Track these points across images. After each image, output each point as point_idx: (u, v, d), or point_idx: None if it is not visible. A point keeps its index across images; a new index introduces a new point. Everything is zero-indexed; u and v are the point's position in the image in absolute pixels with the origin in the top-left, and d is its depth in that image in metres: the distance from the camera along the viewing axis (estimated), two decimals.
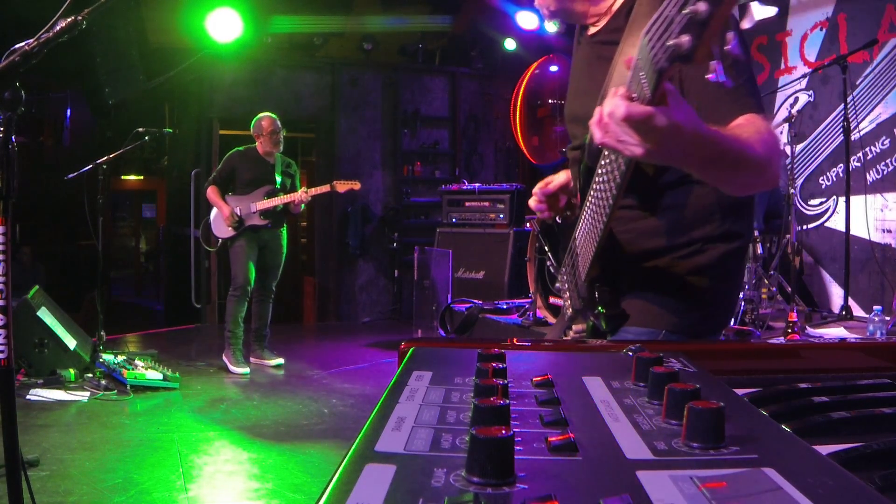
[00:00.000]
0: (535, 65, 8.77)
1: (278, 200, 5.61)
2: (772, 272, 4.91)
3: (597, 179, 1.36)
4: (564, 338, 1.64)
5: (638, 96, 0.98)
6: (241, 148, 5.80)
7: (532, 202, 1.71)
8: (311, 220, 9.58)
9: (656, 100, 0.96)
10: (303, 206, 5.70)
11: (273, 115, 5.76)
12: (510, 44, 8.68)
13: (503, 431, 0.49)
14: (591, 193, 1.40)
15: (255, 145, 5.74)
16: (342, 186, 5.76)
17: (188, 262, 8.27)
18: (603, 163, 1.31)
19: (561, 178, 1.69)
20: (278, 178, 5.71)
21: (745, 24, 5.51)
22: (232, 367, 5.61)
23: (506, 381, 0.69)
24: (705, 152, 1.10)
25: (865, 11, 5.25)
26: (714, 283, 1.48)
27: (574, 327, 1.60)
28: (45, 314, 5.08)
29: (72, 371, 4.99)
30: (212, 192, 5.70)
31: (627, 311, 1.48)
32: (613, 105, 1.00)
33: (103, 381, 4.90)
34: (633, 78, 1.00)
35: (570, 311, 1.63)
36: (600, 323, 1.46)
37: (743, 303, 4.58)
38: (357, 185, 5.84)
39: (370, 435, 0.57)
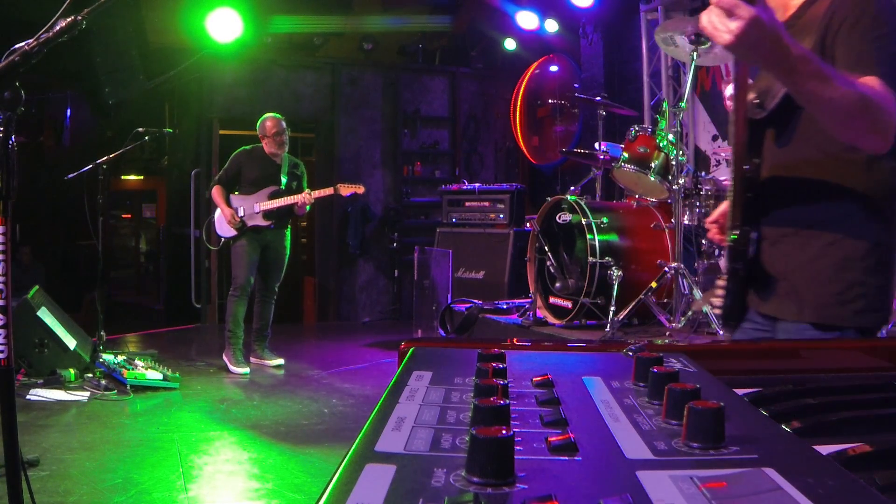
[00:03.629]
0: (535, 65, 8.76)
1: (281, 202, 5.59)
2: None
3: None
4: (712, 299, 1.74)
5: None
6: (247, 147, 5.78)
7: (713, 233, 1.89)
8: (311, 220, 9.58)
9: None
10: (308, 207, 5.68)
11: (277, 116, 5.73)
12: (510, 44, 8.67)
13: (503, 431, 0.49)
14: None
15: (262, 144, 5.74)
16: (346, 189, 5.75)
17: (188, 262, 8.27)
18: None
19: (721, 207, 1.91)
20: (283, 179, 5.70)
21: None
22: (232, 367, 5.61)
23: (506, 381, 0.69)
24: (794, 63, 1.27)
25: None
26: (865, 274, 1.52)
27: (717, 290, 1.72)
28: (45, 314, 5.07)
29: (72, 371, 4.98)
30: (216, 192, 5.69)
31: (783, 308, 1.57)
32: None
33: (103, 381, 4.89)
34: None
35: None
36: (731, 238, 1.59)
37: None
38: (361, 189, 5.84)
39: (370, 435, 0.57)
